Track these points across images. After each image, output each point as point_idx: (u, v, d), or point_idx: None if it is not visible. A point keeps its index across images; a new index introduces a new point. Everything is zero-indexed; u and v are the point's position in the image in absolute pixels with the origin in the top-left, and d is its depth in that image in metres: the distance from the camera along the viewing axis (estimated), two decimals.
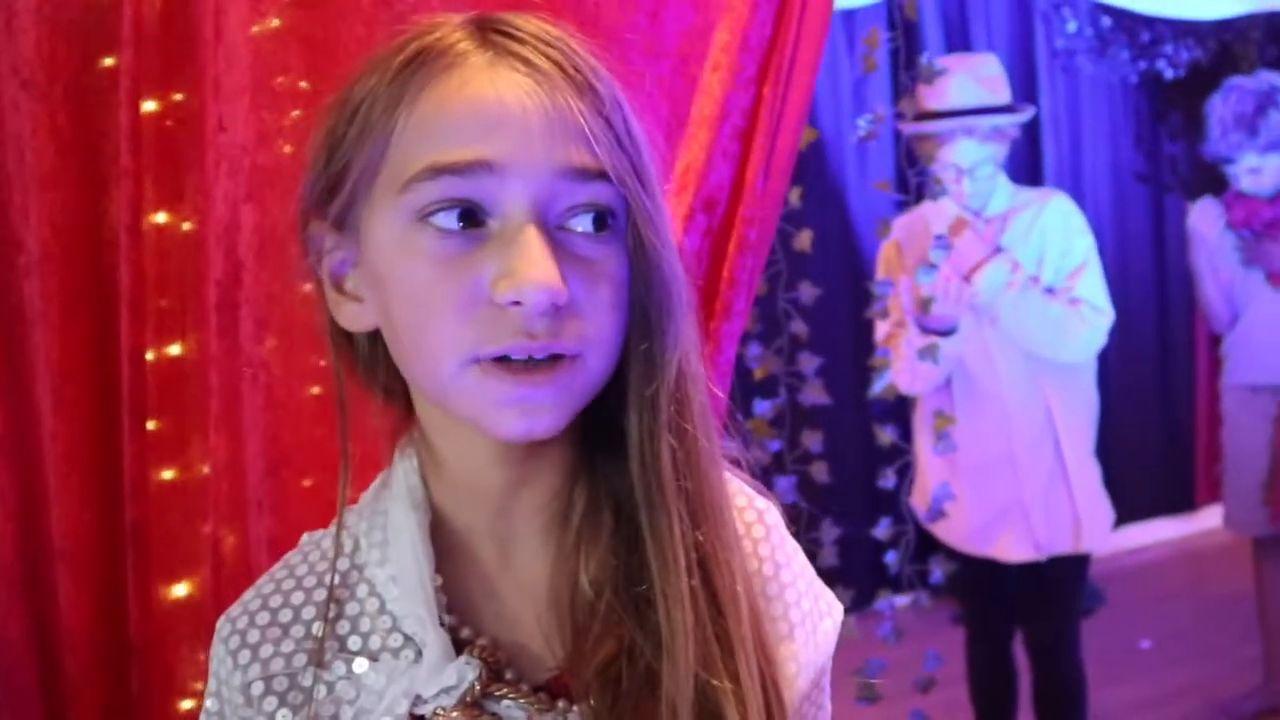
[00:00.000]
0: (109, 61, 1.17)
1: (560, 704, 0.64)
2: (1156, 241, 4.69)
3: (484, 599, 0.67)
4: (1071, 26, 4.42)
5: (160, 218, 1.15)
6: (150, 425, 1.17)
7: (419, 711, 0.63)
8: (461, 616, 0.66)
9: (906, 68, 2.04)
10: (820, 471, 2.01)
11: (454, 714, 0.62)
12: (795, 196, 1.93)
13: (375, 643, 0.66)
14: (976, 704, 2.62)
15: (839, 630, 0.74)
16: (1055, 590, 2.46)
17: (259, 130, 1.10)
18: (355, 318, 0.66)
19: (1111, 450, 4.45)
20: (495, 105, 0.59)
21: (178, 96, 1.18)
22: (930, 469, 2.44)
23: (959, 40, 4.18)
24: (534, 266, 0.57)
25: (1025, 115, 2.41)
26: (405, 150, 0.60)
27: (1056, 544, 2.40)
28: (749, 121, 1.11)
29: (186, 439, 1.18)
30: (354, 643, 0.66)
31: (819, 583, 0.74)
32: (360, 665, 0.65)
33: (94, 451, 1.13)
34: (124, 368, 1.12)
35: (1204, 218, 2.98)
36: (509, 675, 0.65)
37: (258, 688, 0.66)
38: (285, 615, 0.68)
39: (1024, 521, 2.40)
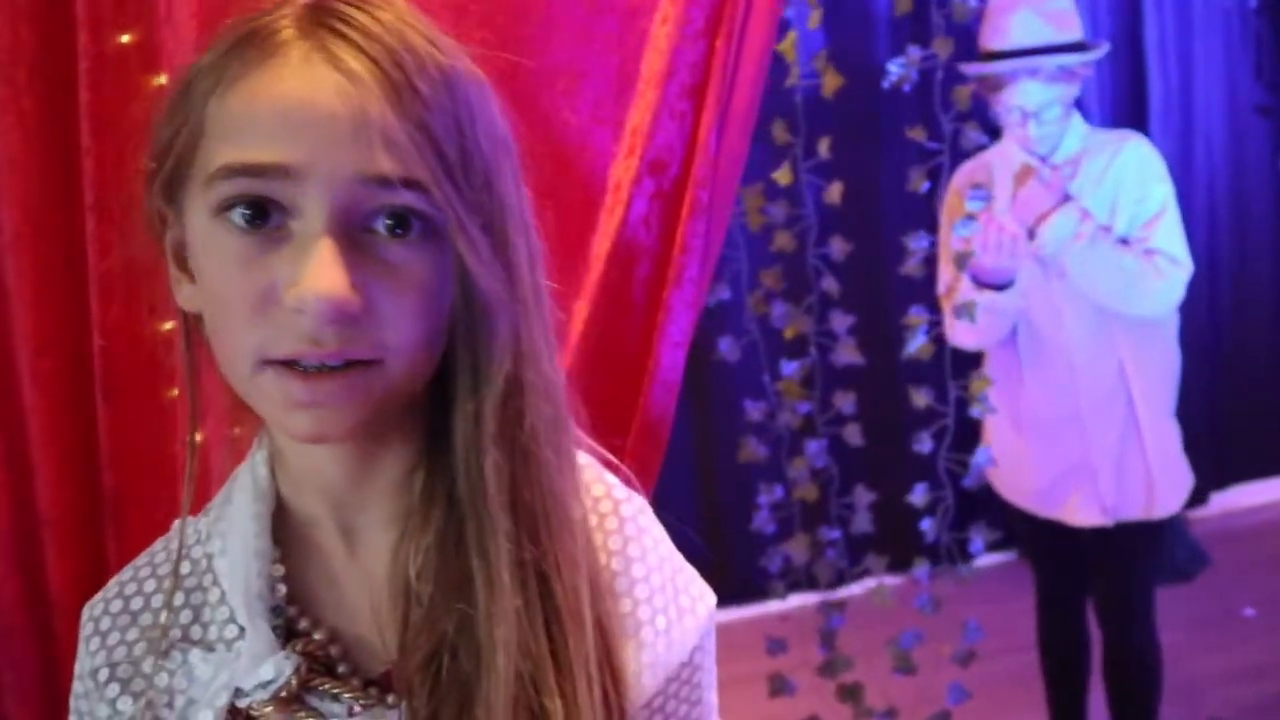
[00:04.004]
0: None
1: (390, 699, 0.63)
2: (1277, 179, 4.33)
3: (327, 590, 0.67)
4: None
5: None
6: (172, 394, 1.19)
7: (240, 704, 0.63)
8: (303, 607, 0.66)
9: (939, 6, 1.91)
10: (853, 434, 1.93)
11: (267, 709, 0.62)
12: (824, 147, 1.84)
13: (214, 633, 0.66)
14: (1046, 670, 2.52)
15: (711, 622, 0.70)
16: (1125, 556, 2.32)
17: None
18: (188, 298, 0.65)
19: (1221, 407, 4.16)
20: (299, 107, 0.56)
21: (160, 80, 1.19)
22: (993, 426, 2.33)
23: None
24: (320, 278, 0.55)
25: (1096, 54, 2.23)
26: (212, 142, 0.59)
27: (1126, 509, 2.27)
28: (699, 78, 1.05)
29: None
30: (196, 632, 0.66)
31: (686, 574, 0.70)
32: (195, 655, 0.65)
33: (71, 422, 1.17)
34: (95, 341, 1.15)
35: None
36: (342, 669, 0.64)
37: (103, 674, 0.67)
38: (137, 603, 0.69)
39: (1091, 484, 2.27)
